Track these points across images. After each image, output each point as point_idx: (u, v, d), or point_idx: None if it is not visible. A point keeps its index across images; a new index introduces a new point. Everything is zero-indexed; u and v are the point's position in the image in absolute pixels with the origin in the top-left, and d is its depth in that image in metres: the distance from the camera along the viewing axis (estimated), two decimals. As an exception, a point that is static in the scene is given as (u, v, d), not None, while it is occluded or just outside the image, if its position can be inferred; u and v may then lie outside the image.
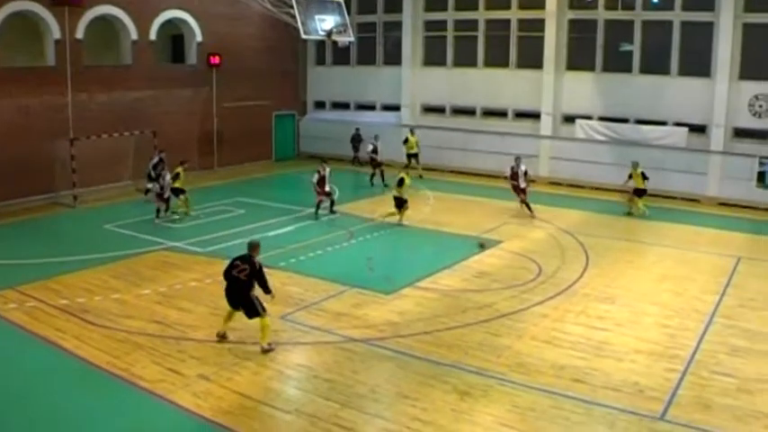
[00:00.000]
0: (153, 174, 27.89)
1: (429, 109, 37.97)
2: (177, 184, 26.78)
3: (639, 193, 27.26)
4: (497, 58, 35.60)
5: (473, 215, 26.92)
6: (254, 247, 15.54)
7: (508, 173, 27.38)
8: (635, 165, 27.13)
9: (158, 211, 26.21)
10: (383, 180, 31.90)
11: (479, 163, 34.93)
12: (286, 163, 38.93)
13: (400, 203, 25.52)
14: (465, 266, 20.74)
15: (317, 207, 26.28)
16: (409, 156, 34.12)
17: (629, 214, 27.23)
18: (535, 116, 34.36)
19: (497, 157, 33.86)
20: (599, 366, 14.15)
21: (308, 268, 20.45)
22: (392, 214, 25.42)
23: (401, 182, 25.50)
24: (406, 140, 34.31)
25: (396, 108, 38.49)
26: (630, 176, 27.13)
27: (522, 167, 26.90)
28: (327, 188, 26.26)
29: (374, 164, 32.49)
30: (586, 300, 18.00)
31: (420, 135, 35.17)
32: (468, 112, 36.57)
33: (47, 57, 30.17)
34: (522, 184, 26.83)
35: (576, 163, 32.67)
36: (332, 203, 26.75)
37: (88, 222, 26.42)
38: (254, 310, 15.15)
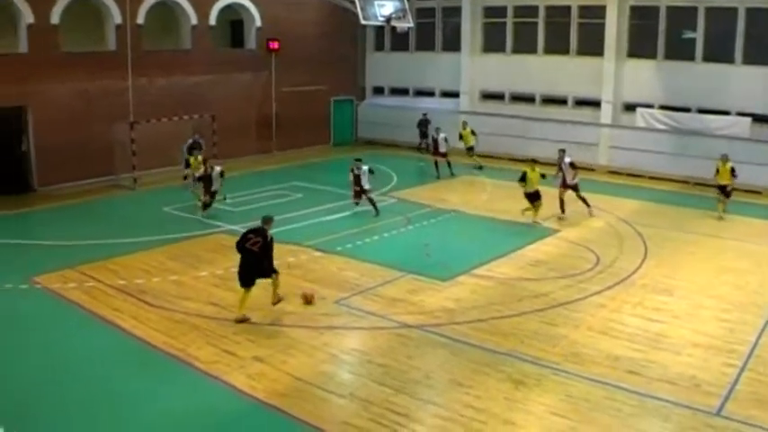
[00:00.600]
0: (187, 156, 28.39)
1: (488, 96, 37.74)
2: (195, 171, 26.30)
3: (725, 191, 25.20)
4: (557, 45, 35.23)
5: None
6: (267, 220, 16.21)
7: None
8: (724, 158, 25.14)
9: (205, 205, 25.32)
10: (450, 170, 31.70)
11: (538, 151, 34.39)
12: (344, 148, 39.01)
13: (533, 198, 24.15)
14: (521, 255, 20.67)
15: (372, 204, 25.30)
16: (467, 149, 33.69)
17: (720, 218, 25.00)
18: (595, 104, 33.97)
19: (556, 145, 33.53)
20: (655, 359, 14.01)
21: (364, 253, 20.57)
22: (528, 210, 24.34)
23: (523, 177, 24.14)
24: (461, 136, 33.76)
25: (455, 95, 38.38)
26: (718, 171, 25.24)
27: (567, 159, 25.20)
28: (366, 186, 25.19)
29: (438, 154, 31.83)
30: (644, 291, 17.84)
31: (478, 122, 35.01)
32: (528, 99, 36.30)
33: (107, 41, 30.64)
34: (570, 180, 25.01)
35: (636, 152, 32.20)
36: (373, 204, 25.21)
37: (147, 204, 26.83)
38: (268, 273, 16.00)
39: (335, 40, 39.31)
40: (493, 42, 37.39)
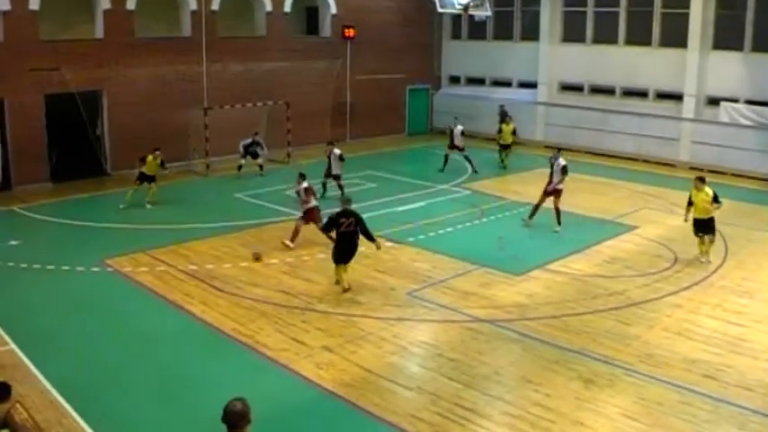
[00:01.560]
0: (242, 152, 29.05)
1: (566, 87, 37.29)
2: (149, 171, 25.28)
3: None
4: (639, 36, 34.58)
5: (607, 198, 26.51)
6: (348, 201, 17.65)
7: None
8: None
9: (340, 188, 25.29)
10: (473, 167, 30.84)
11: (617, 144, 34.21)
12: (418, 137, 39.04)
13: (703, 228, 19.97)
14: (597, 251, 20.48)
15: (340, 189, 25.30)
16: (502, 146, 31.85)
17: None
18: (677, 97, 33.27)
19: (636, 138, 33.28)
20: (733, 363, 13.73)
21: (437, 245, 20.61)
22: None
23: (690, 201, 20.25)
24: (500, 130, 32.21)
25: (532, 85, 38.05)
26: None
27: (561, 162, 22.87)
28: (336, 172, 25.70)
29: (454, 147, 31.14)
30: (723, 292, 17.51)
31: (556, 113, 34.81)
32: (607, 91, 35.75)
33: (182, 28, 31.12)
34: (555, 185, 22.79)
35: (719, 148, 31.50)
36: (341, 189, 25.15)
37: (219, 190, 27.24)
38: (350, 258, 17.26)
39: (412, 27, 39.32)
40: (572, 32, 36.92)
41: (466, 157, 30.80)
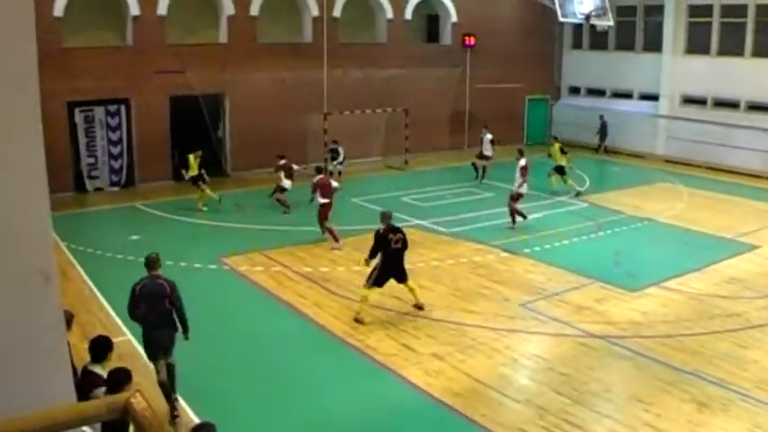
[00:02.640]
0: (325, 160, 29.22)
1: (689, 100, 36.40)
2: (192, 173, 25.09)
3: None
4: (767, 47, 33.54)
5: (730, 216, 25.82)
6: (390, 215, 16.56)
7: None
8: None
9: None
10: (482, 176, 30.48)
11: (740, 160, 33.27)
12: (537, 148, 38.77)
13: None
14: (716, 270, 19.96)
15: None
16: (557, 168, 28.93)
17: None
18: (806, 113, 32.26)
19: (761, 154, 32.35)
20: None
21: (552, 257, 20.48)
22: None
23: None
24: (549, 154, 29.72)
25: (654, 97, 37.37)
26: None
27: (521, 163, 23.88)
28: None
29: (482, 157, 30.73)
30: None
31: (678, 127, 34.14)
32: (732, 104, 34.79)
33: (304, 33, 31.70)
34: (517, 187, 23.55)
35: None
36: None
37: (337, 195, 27.46)
38: (406, 274, 16.27)
39: (532, 36, 39.15)
40: (697, 43, 35.99)
41: (484, 168, 30.50)
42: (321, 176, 21.99)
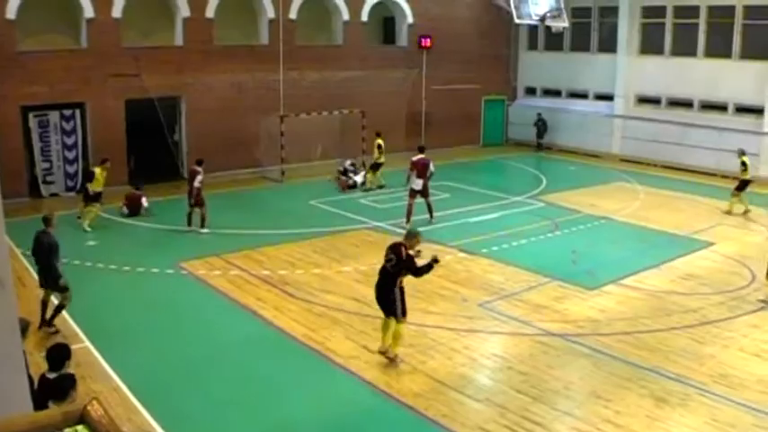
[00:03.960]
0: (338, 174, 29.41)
1: (644, 99, 36.79)
2: (96, 187, 23.02)
3: None
4: (719, 48, 33.89)
5: (684, 213, 26.07)
6: (409, 236, 14.31)
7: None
8: None
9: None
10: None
11: (695, 159, 33.60)
12: (493, 149, 38.97)
13: None
14: (672, 267, 20.13)
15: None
16: (374, 165, 29.36)
17: None
18: (758, 111, 32.54)
19: (715, 153, 32.69)
20: (811, 385, 13.42)
21: (510, 257, 20.53)
22: None
23: None
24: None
25: (609, 97, 37.64)
26: None
27: (415, 158, 23.73)
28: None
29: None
30: (802, 312, 17.15)
31: (633, 127, 34.48)
32: (685, 104, 35.14)
33: (260, 35, 31.57)
34: (411, 184, 23.70)
35: (802, 163, 30.87)
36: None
37: (294, 197, 27.57)
38: (391, 310, 13.94)
39: (488, 38, 39.26)
40: (651, 43, 36.33)
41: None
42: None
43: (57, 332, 14.89)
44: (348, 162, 30.24)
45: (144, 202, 24.68)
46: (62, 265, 15.33)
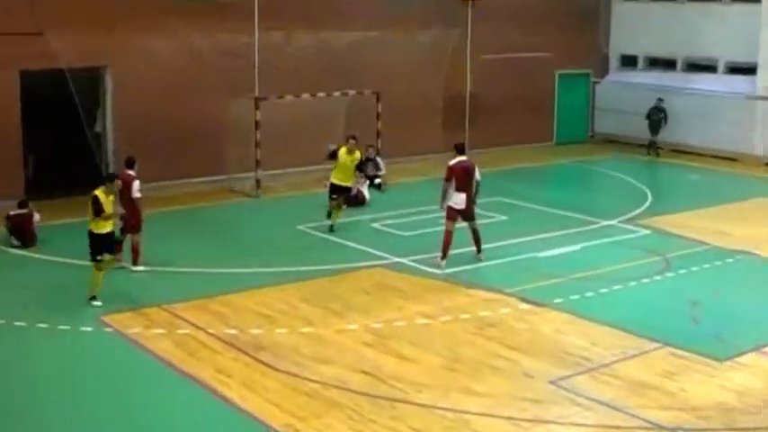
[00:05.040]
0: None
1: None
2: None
3: None
4: None
5: None
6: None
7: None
8: None
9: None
10: None
11: None
12: (572, 149, 38.91)
13: None
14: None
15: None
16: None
17: None
18: None
19: None
20: None
21: (596, 310, 20.31)
22: None
23: None
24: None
25: (749, 70, 37.58)
26: None
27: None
28: None
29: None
30: None
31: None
32: None
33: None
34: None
35: None
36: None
37: (274, 219, 27.71)
38: None
39: (566, -17, 39.33)
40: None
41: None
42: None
43: None
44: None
45: (36, 219, 24.50)
46: None
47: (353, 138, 26.56)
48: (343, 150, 26.26)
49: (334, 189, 26.25)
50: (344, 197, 26.85)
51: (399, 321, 19.33)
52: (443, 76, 35.84)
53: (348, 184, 26.74)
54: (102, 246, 20.33)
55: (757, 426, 15.37)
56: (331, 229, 26.12)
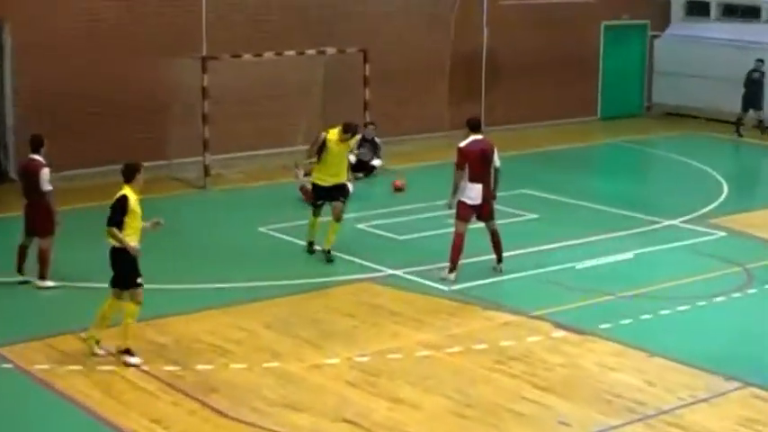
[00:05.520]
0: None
1: None
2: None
3: None
4: None
5: None
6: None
7: None
8: None
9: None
10: None
11: None
12: (623, 124, 38.99)
13: None
14: None
15: None
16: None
17: None
18: None
19: None
20: None
21: (655, 339, 20.31)
22: None
23: None
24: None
25: None
26: None
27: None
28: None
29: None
30: None
31: None
32: None
33: None
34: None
35: None
36: None
37: (227, 218, 27.88)
38: None
39: None
40: None
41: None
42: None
43: None
44: None
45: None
46: None
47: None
48: (332, 137, 25.01)
49: (321, 192, 25.22)
50: (344, 201, 25.43)
51: (394, 354, 19.32)
52: (450, 27, 35.82)
53: (341, 180, 25.50)
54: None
55: None
56: (311, 249, 25.62)
